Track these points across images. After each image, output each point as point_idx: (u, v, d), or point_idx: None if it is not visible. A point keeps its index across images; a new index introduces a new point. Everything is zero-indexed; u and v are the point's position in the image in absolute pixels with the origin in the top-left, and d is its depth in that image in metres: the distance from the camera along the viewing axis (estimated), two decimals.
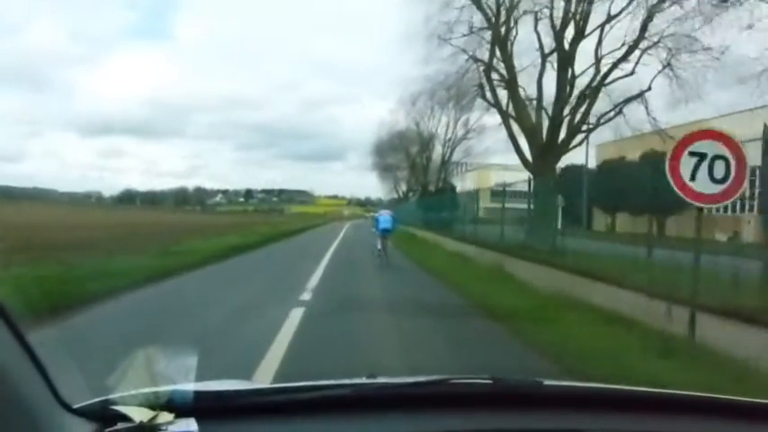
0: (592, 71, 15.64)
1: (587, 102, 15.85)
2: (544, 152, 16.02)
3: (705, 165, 6.03)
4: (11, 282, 6.86)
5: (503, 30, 16.70)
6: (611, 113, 15.87)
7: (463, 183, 46.25)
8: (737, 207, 19.45)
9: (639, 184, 16.27)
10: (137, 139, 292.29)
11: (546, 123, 16.29)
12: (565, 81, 15.78)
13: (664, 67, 15.20)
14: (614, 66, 15.44)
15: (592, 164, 24.06)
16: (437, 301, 9.38)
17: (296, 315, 7.23)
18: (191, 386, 1.27)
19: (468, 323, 7.52)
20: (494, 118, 25.49)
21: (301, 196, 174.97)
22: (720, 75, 14.81)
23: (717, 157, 6.01)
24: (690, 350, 5.52)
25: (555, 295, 8.61)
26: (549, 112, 15.99)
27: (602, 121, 16.21)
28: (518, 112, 16.77)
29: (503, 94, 17.58)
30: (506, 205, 19.59)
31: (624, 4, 14.77)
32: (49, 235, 16.90)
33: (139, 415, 1.11)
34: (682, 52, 14.88)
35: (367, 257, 17.07)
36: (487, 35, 17.11)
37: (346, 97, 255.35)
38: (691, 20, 14.09)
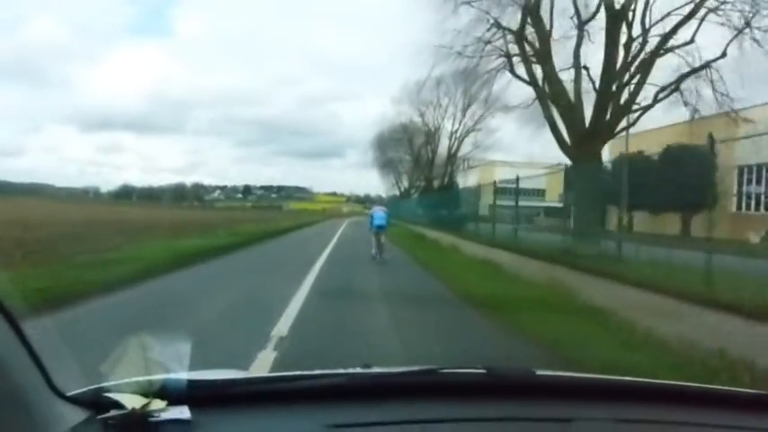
0: (642, 45, 13.36)
1: (639, 75, 13.46)
2: (588, 135, 13.50)
3: None
4: None
5: None
6: (667, 90, 13.59)
7: (465, 179, 44.25)
8: None
9: (661, 181, 15.21)
10: (136, 134, 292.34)
11: (583, 102, 13.82)
12: (613, 50, 13.30)
13: (740, 31, 12.71)
14: (672, 32, 13.17)
15: (606, 155, 22.83)
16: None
17: None
18: (184, 375, 1.26)
19: None
20: (502, 115, 23.92)
21: (300, 193, 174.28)
22: None
23: None
24: None
25: (690, 347, 5.06)
26: (590, 88, 13.58)
27: (659, 96, 13.71)
28: (553, 90, 14.26)
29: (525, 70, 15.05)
30: (514, 203, 19.20)
31: None
32: None
33: (132, 402, 1.12)
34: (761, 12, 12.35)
35: (378, 280, 11.19)
36: None
37: (346, 94, 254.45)
38: None
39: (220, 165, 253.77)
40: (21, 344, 1.05)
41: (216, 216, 48.22)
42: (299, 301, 7.81)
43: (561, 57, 14.33)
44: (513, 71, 15.62)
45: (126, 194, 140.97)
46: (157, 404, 1.14)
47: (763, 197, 20.84)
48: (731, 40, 12.77)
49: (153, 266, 10.37)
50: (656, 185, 14.22)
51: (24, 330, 1.05)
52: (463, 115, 44.15)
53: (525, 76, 15.16)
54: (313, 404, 1.27)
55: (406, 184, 61.88)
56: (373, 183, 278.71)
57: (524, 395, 1.36)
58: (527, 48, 14.94)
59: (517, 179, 16.38)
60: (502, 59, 15.81)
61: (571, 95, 13.82)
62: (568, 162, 14.70)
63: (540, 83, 14.70)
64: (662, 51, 13.24)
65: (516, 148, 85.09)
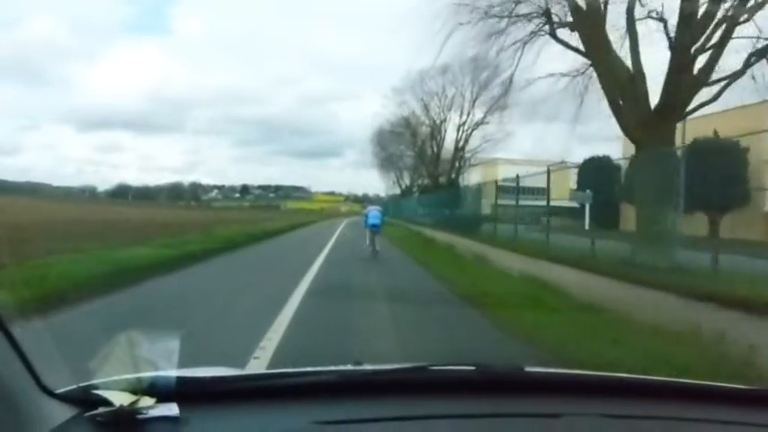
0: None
1: (721, 33, 9.92)
2: (658, 113, 10.43)
3: None
4: None
5: None
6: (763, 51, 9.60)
7: (467, 178, 40.90)
8: None
9: (690, 176, 14.00)
10: (134, 133, 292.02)
11: (645, 73, 10.42)
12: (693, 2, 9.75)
13: None
14: None
15: (617, 153, 21.47)
16: None
17: None
18: (174, 372, 1.27)
19: None
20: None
21: (298, 192, 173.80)
22: None
23: None
24: None
25: None
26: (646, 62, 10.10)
27: (752, 61, 10.04)
28: (604, 59, 11.19)
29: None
30: (520, 202, 17.74)
31: None
32: None
33: (120, 399, 1.12)
34: None
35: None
36: None
37: (345, 93, 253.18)
38: None
39: (219, 164, 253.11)
40: (7, 342, 1.06)
41: (202, 216, 43.49)
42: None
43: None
44: (554, 34, 12.49)
45: (122, 194, 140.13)
46: (146, 401, 1.14)
47: None
48: None
49: (56, 291, 7.25)
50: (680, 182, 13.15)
51: (10, 329, 1.06)
52: (472, 104, 40.13)
53: (567, 42, 11.98)
54: (302, 401, 1.27)
55: (407, 181, 57.67)
56: (372, 182, 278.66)
57: (514, 391, 1.37)
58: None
59: (519, 177, 15.12)
60: (536, 22, 12.41)
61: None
62: (568, 160, 13.42)
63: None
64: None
65: (517, 146, 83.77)
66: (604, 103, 11.57)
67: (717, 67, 10.22)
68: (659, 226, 9.50)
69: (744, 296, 5.97)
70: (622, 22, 11.07)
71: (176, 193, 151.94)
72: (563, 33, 12.39)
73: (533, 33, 12.68)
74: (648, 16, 10.80)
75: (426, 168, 46.41)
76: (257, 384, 1.35)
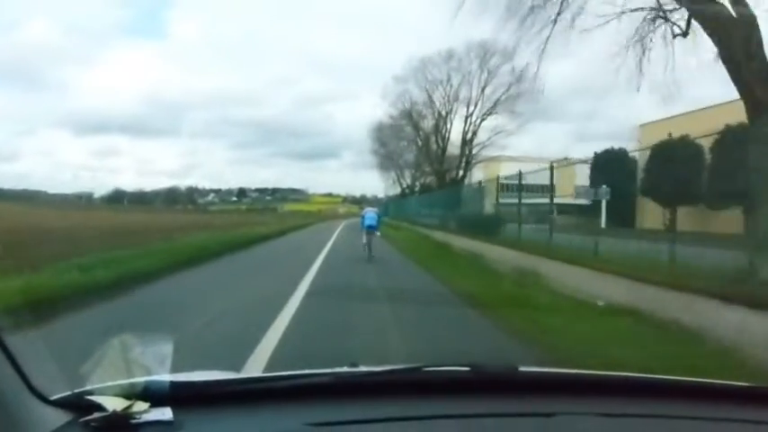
0: None
1: None
2: None
3: None
4: None
5: None
6: None
7: (476, 174, 37.20)
8: None
9: (713, 169, 13.29)
10: (131, 137, 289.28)
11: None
12: None
13: None
14: None
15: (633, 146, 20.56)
16: None
17: None
18: (167, 376, 1.27)
19: None
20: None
21: (295, 195, 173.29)
22: None
23: None
24: None
25: None
26: None
27: None
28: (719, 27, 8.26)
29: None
30: (519, 200, 16.61)
31: None
32: None
33: (114, 404, 1.12)
34: None
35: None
36: None
37: (342, 95, 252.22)
38: None
39: (216, 167, 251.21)
40: (0, 350, 1.07)
41: (186, 220, 36.96)
42: None
43: None
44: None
45: (118, 199, 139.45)
46: (140, 406, 1.14)
47: None
48: None
49: None
50: (703, 176, 12.33)
51: (3, 336, 1.07)
52: (481, 92, 37.12)
53: None
54: (296, 403, 1.27)
55: (408, 180, 53.51)
56: (370, 183, 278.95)
57: (508, 391, 1.37)
58: None
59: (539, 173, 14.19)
60: None
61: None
62: (569, 156, 12.48)
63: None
64: None
65: (519, 143, 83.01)
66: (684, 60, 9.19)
67: None
68: None
69: None
70: None
71: (172, 198, 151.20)
72: None
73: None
74: None
75: (432, 165, 42.13)
76: (251, 387, 1.36)
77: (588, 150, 36.23)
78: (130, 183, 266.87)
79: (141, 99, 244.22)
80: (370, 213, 17.15)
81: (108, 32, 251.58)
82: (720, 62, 8.56)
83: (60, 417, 1.14)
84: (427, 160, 42.95)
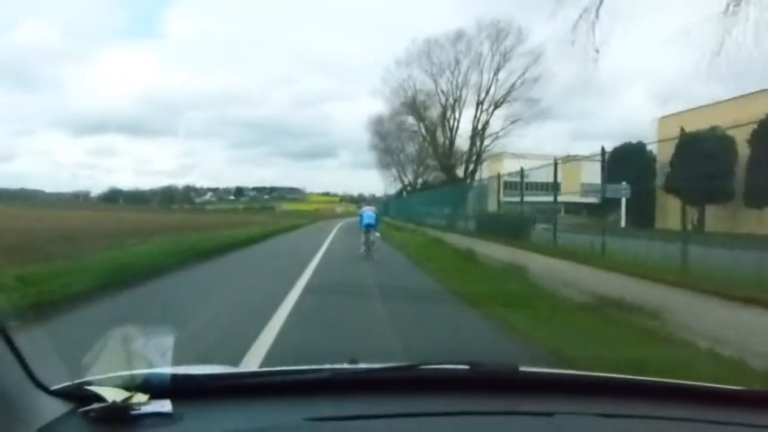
0: None
1: None
2: None
3: None
4: None
5: None
6: None
7: (488, 168, 33.86)
8: None
9: (751, 164, 12.29)
10: (128, 137, 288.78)
11: None
12: None
13: None
14: None
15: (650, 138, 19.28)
16: None
17: None
18: (168, 369, 1.28)
19: None
20: None
21: (293, 194, 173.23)
22: None
23: None
24: None
25: None
26: None
27: None
28: None
29: None
30: (522, 199, 14.77)
31: None
32: None
33: (114, 395, 1.13)
34: None
35: None
36: None
37: (340, 94, 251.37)
38: None
39: (213, 167, 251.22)
40: (2, 340, 1.08)
41: (166, 219, 33.22)
42: None
43: None
44: None
45: (114, 198, 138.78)
46: (139, 398, 1.14)
47: None
48: None
49: None
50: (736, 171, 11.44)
51: (6, 327, 1.08)
52: (494, 75, 32.56)
53: None
54: (295, 398, 1.27)
55: (410, 177, 48.85)
56: (368, 182, 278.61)
57: (507, 390, 1.37)
58: None
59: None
60: None
61: None
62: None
63: None
64: None
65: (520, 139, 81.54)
66: None
67: None
68: None
69: None
70: None
71: (169, 196, 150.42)
72: None
73: None
74: None
75: (439, 159, 36.87)
76: (250, 382, 1.36)
77: (593, 147, 34.57)
78: (128, 182, 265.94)
79: (139, 99, 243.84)
80: (369, 212, 16.72)
81: (105, 32, 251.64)
82: None
83: (60, 407, 1.15)
84: (433, 154, 37.95)
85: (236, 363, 4.59)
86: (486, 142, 35.13)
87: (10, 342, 1.08)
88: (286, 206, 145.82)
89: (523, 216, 14.55)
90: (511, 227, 14.21)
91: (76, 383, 1.18)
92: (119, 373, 1.18)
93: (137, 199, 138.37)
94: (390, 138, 43.34)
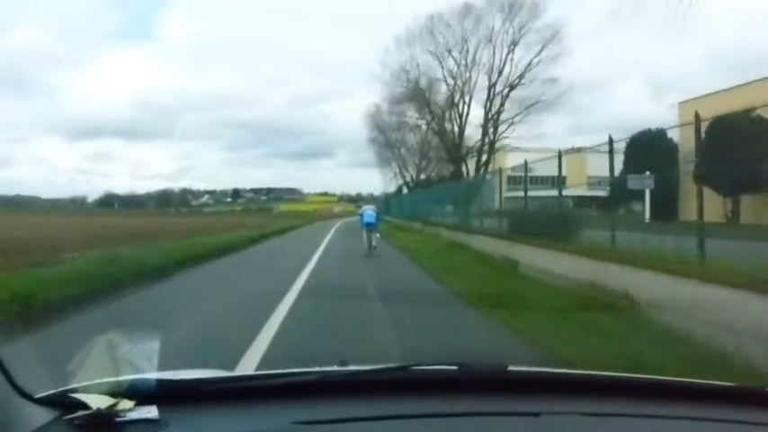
0: None
1: None
2: None
3: None
4: None
5: None
6: None
7: (493, 161, 31.29)
8: None
9: None
10: (124, 141, 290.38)
11: None
12: None
13: None
14: None
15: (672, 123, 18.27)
16: None
17: None
18: (154, 375, 1.26)
19: None
20: None
21: (291, 194, 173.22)
22: None
23: None
24: None
25: None
26: None
27: None
28: None
29: None
30: (525, 193, 13.89)
31: None
32: None
33: (99, 402, 1.11)
34: None
35: None
36: None
37: (336, 94, 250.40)
38: None
39: (210, 169, 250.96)
40: None
41: (150, 224, 28.62)
42: None
43: None
44: None
45: (110, 203, 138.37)
46: (125, 404, 1.12)
47: None
48: None
49: None
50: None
51: None
52: (509, 52, 28.19)
53: None
54: (283, 402, 1.26)
55: (412, 172, 44.17)
56: (365, 181, 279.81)
57: (496, 390, 1.36)
58: None
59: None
60: None
61: None
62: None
63: None
64: None
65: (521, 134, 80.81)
66: None
67: None
68: None
69: None
70: None
71: (165, 200, 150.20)
72: None
73: None
74: None
75: (448, 151, 32.40)
76: (238, 386, 1.35)
77: (593, 140, 32.80)
78: (125, 186, 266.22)
79: (134, 102, 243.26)
80: (369, 211, 16.71)
81: (99, 36, 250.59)
82: None
83: (44, 414, 1.13)
84: (440, 144, 33.26)
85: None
86: (501, 129, 31.18)
87: None
88: (284, 207, 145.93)
89: (566, 213, 12.28)
90: (550, 225, 11.50)
91: (61, 391, 1.18)
92: (104, 380, 1.17)
93: (133, 203, 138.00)
94: (390, 130, 38.80)
